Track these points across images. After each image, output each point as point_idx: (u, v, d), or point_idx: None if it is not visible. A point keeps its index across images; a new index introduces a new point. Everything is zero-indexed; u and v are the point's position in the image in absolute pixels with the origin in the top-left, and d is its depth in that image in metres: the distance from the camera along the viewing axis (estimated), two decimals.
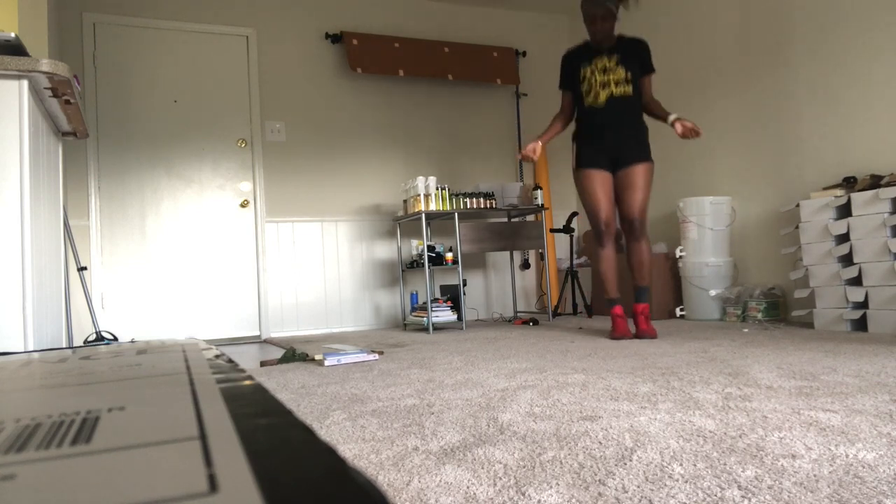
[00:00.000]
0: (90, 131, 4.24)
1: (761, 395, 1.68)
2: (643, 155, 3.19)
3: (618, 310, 3.22)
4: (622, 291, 4.04)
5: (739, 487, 0.99)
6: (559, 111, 3.40)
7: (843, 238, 3.19)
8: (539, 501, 0.97)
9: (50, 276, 2.25)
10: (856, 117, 3.48)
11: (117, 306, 4.31)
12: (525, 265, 5.58)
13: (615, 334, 3.18)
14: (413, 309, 4.56)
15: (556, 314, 5.01)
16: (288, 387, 2.24)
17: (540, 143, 3.21)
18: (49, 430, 0.38)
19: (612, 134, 3.18)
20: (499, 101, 5.61)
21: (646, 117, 3.31)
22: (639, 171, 3.16)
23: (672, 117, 3.11)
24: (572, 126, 3.41)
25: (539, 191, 4.70)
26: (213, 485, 0.27)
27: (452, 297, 4.48)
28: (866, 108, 3.43)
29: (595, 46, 3.25)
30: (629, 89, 3.17)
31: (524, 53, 5.68)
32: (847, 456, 1.12)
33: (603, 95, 3.17)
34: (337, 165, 4.99)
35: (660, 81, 4.90)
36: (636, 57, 3.21)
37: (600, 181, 3.20)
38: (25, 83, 1.87)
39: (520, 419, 1.53)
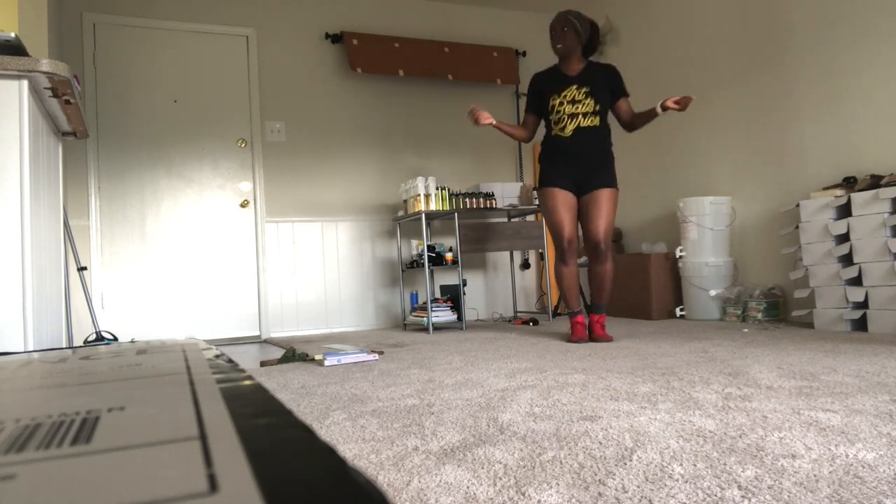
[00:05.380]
0: (90, 131, 4.23)
1: (761, 395, 1.68)
2: (608, 181, 3.22)
3: (580, 318, 3.28)
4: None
5: (739, 487, 0.99)
6: (522, 124, 3.41)
7: (843, 238, 3.19)
8: (539, 501, 0.97)
9: (50, 276, 2.25)
10: (856, 117, 3.48)
11: (117, 306, 4.31)
12: (525, 265, 5.58)
13: (572, 338, 3.24)
14: (413, 309, 4.56)
15: (556, 314, 5.01)
16: (288, 387, 2.24)
17: (492, 121, 3.18)
18: (49, 430, 0.38)
19: (577, 162, 3.22)
20: (499, 101, 5.61)
21: (622, 135, 3.32)
22: (603, 196, 3.20)
23: (659, 104, 3.11)
24: (531, 148, 3.43)
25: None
26: (213, 485, 0.27)
27: (452, 297, 4.48)
28: (866, 107, 3.43)
29: (563, 70, 3.28)
30: (597, 121, 3.21)
31: (524, 53, 5.68)
32: (847, 456, 1.12)
33: (570, 127, 3.20)
34: (337, 165, 4.99)
35: (660, 81, 4.90)
36: (606, 85, 3.23)
37: (564, 200, 3.23)
38: (25, 83, 1.87)
39: (520, 419, 1.53)
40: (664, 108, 3.07)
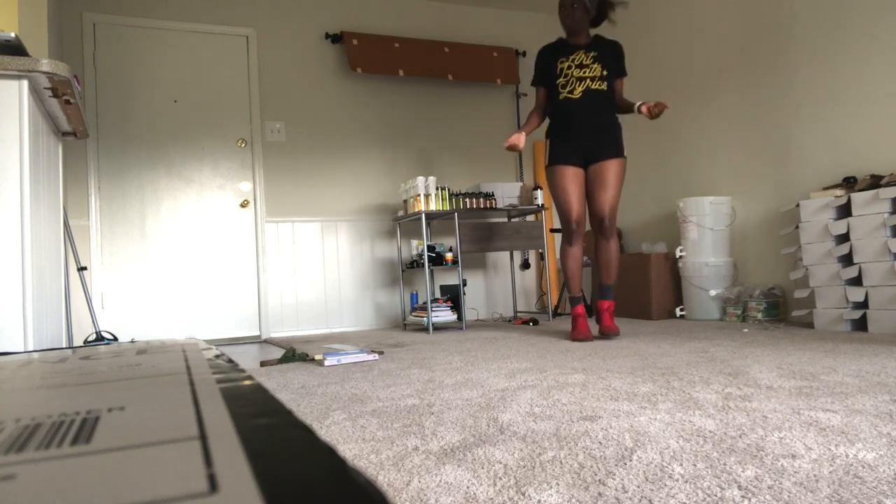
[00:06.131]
0: (90, 131, 4.24)
1: (761, 395, 1.68)
2: (616, 151, 3.23)
3: (580, 309, 3.27)
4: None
5: (739, 487, 0.99)
6: (535, 107, 3.43)
7: (843, 238, 3.19)
8: (539, 501, 0.97)
9: (50, 276, 2.25)
10: (856, 117, 3.48)
11: (117, 306, 4.31)
12: (525, 265, 5.58)
13: (577, 335, 3.21)
14: (413, 309, 4.56)
15: (556, 314, 5.01)
16: (288, 387, 2.24)
17: (524, 135, 3.24)
18: (49, 430, 0.38)
19: (586, 128, 3.22)
20: (499, 101, 5.61)
21: (620, 117, 3.36)
22: (611, 168, 3.20)
23: (637, 104, 3.17)
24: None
25: (539, 191, 4.70)
26: (213, 485, 0.27)
27: (452, 297, 4.48)
28: (866, 107, 3.43)
29: (570, 41, 3.30)
30: (604, 85, 3.23)
31: (524, 53, 5.68)
32: (847, 456, 1.12)
33: (579, 89, 3.21)
34: (337, 165, 4.99)
35: (660, 81, 4.90)
36: (612, 57, 3.27)
37: (573, 178, 3.22)
38: (25, 83, 1.87)
39: (520, 419, 1.53)
40: (639, 111, 3.14)
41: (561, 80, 3.25)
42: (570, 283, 3.29)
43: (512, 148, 3.20)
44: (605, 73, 3.21)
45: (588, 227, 4.81)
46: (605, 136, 3.22)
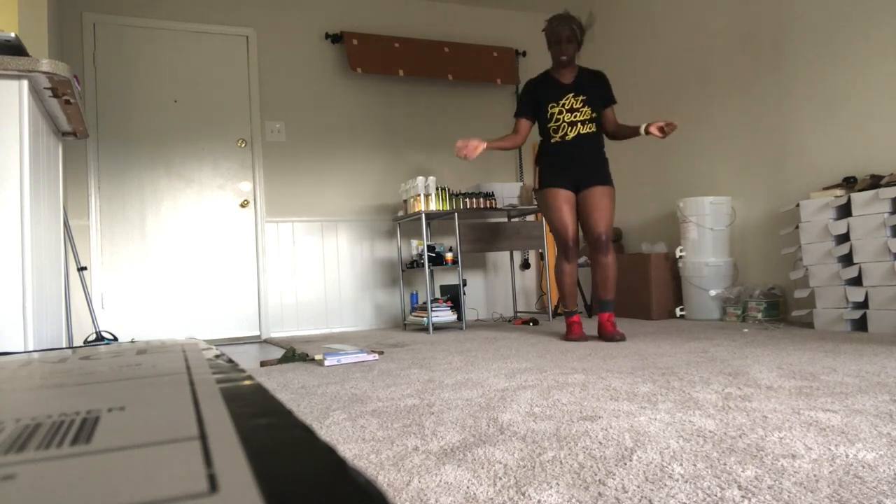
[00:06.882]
0: (90, 131, 4.23)
1: (761, 395, 1.68)
2: (605, 180, 3.31)
3: (576, 318, 3.34)
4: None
5: (739, 487, 0.99)
6: (513, 133, 3.41)
7: (843, 238, 3.19)
8: (539, 501, 0.97)
9: (50, 276, 2.25)
10: (856, 117, 3.48)
11: (117, 306, 4.31)
12: (525, 265, 5.58)
13: (570, 336, 3.28)
14: (413, 309, 4.56)
15: (556, 314, 5.01)
16: (288, 387, 2.24)
17: (484, 146, 3.24)
18: (49, 430, 0.38)
19: (577, 164, 3.30)
20: (499, 101, 5.61)
21: (608, 143, 3.47)
22: (602, 192, 3.28)
23: (643, 126, 3.20)
24: (530, 148, 3.48)
25: None
26: (213, 485, 0.27)
27: (452, 297, 4.48)
28: (866, 107, 3.43)
29: (558, 78, 3.34)
30: (594, 127, 3.31)
31: (524, 53, 5.68)
32: (847, 456, 1.12)
33: (571, 133, 3.29)
34: (337, 165, 4.99)
35: (660, 82, 4.90)
36: (598, 91, 3.32)
37: (565, 199, 3.30)
38: (25, 83, 1.87)
39: (520, 419, 1.53)
40: (647, 132, 3.17)
41: (552, 124, 3.32)
42: (566, 298, 3.38)
43: (460, 152, 3.21)
44: (594, 115, 3.29)
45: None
46: (595, 169, 3.30)
